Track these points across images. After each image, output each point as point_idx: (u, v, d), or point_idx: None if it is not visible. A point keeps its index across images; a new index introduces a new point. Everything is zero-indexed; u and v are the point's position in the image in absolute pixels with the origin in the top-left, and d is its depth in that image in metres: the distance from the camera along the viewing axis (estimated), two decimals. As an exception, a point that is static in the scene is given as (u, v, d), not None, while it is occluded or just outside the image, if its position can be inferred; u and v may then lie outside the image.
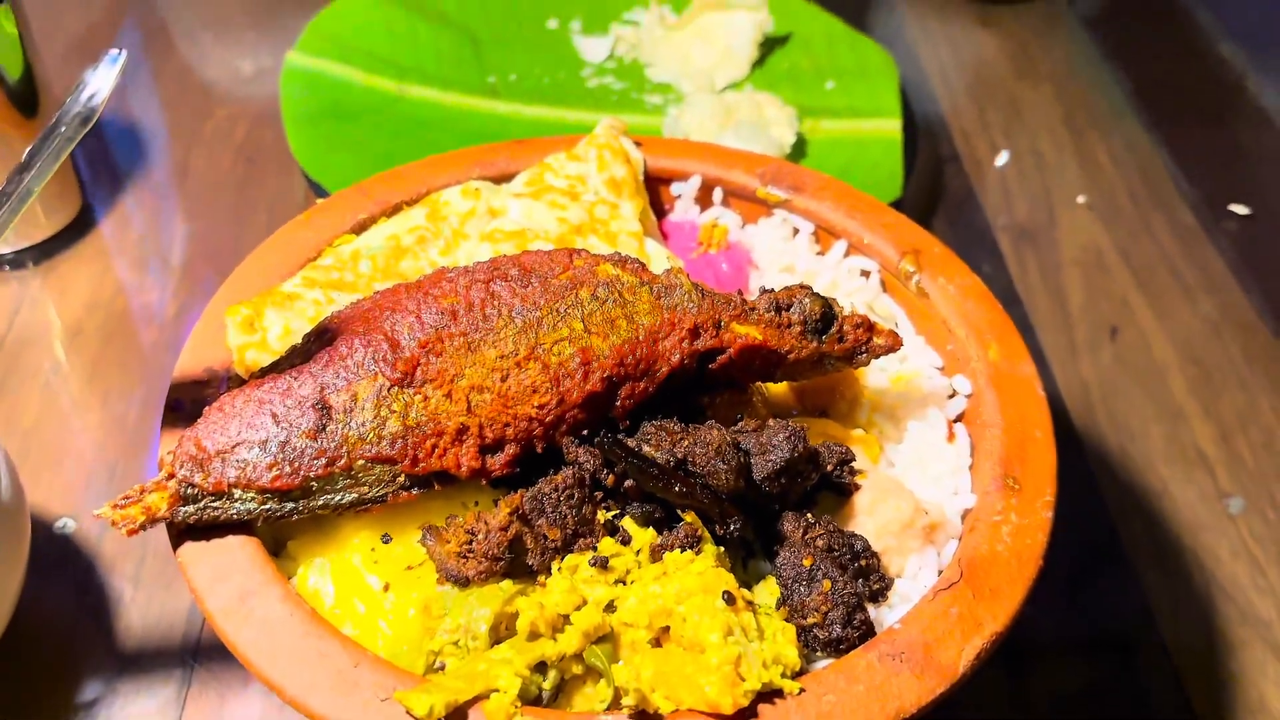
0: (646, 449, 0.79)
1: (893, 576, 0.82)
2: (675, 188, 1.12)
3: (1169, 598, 1.07)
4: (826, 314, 0.86)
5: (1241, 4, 2.21)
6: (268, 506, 0.77)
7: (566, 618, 0.73)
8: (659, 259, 1.01)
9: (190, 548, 0.78)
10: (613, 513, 0.78)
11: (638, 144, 1.12)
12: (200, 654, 0.99)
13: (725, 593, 0.72)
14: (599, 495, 0.79)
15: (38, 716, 0.95)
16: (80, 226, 1.40)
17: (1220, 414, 1.24)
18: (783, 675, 0.71)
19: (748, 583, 0.80)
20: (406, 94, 1.53)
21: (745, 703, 0.69)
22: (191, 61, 1.69)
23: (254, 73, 1.67)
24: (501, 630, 0.75)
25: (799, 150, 1.46)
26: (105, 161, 1.51)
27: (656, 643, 0.73)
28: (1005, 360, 0.91)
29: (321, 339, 0.83)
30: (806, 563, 0.77)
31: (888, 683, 0.71)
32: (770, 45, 1.64)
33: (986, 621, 0.75)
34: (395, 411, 0.78)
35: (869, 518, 0.83)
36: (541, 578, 0.76)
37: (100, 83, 0.76)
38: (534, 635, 0.73)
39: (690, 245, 1.10)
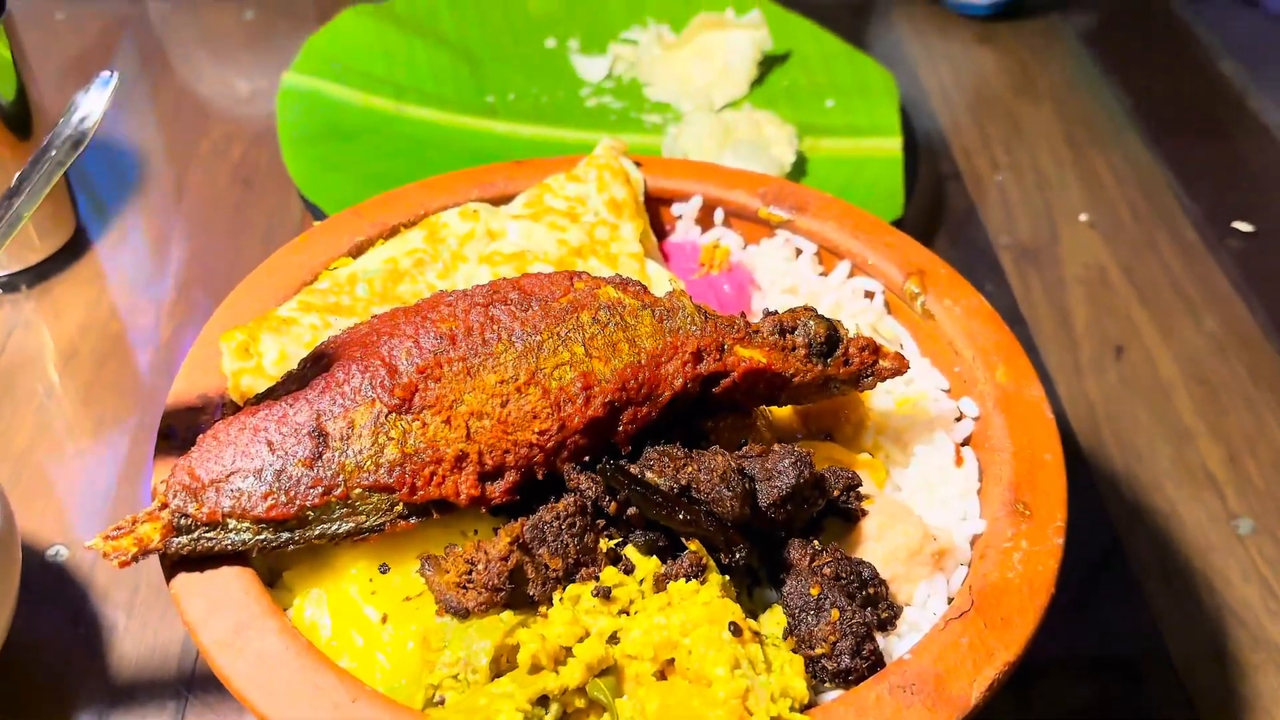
0: (649, 475, 0.77)
1: (901, 604, 0.81)
2: (676, 208, 1.11)
3: (1179, 620, 1.05)
4: (831, 336, 0.84)
5: (1240, 21, 2.21)
6: (263, 537, 0.76)
7: (569, 650, 0.72)
8: (660, 281, 1.00)
9: (184, 579, 0.76)
10: (615, 541, 0.77)
11: (638, 164, 1.11)
12: (194, 685, 0.97)
13: (732, 624, 0.71)
14: (601, 523, 0.77)
15: (29, 750, 0.93)
16: (74, 249, 1.38)
17: (1227, 433, 1.22)
18: (791, 709, 0.69)
19: (753, 612, 0.78)
20: (404, 114, 1.52)
21: (753, 737, 0.67)
22: (187, 82, 1.68)
23: (250, 93, 1.66)
24: (502, 663, 0.73)
25: (799, 169, 1.45)
26: (100, 183, 1.49)
27: (661, 675, 0.72)
28: (1013, 382, 0.89)
29: (318, 364, 0.81)
30: (814, 592, 0.75)
31: (899, 716, 0.69)
32: (769, 64, 1.63)
33: (998, 651, 0.73)
34: (393, 439, 0.77)
35: (876, 544, 0.82)
36: (543, 608, 0.75)
37: (92, 105, 0.75)
38: (535, 668, 0.71)
39: (691, 266, 1.09)
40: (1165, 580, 1.08)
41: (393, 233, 1.03)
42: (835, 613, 0.75)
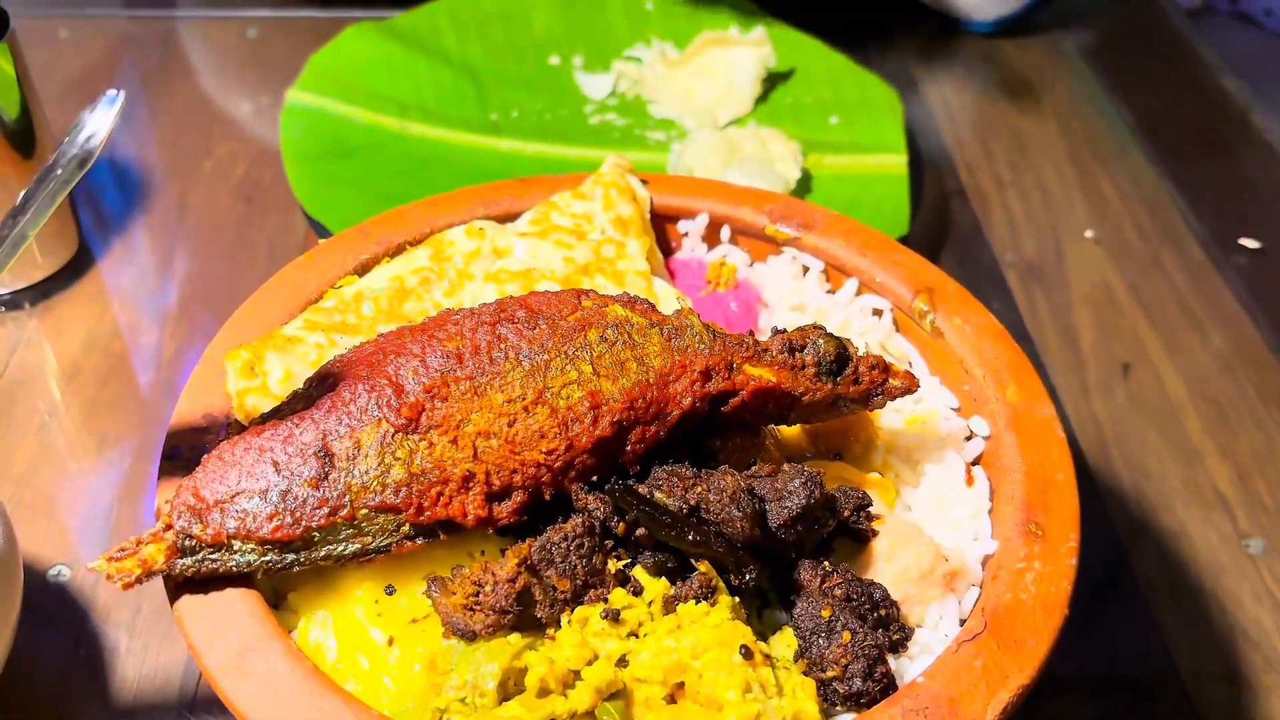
0: (658, 496, 0.76)
1: (913, 626, 0.80)
2: (682, 225, 1.11)
3: (1190, 642, 1.04)
4: (841, 355, 0.84)
5: (1242, 38, 2.22)
6: (268, 558, 0.75)
7: (577, 673, 0.71)
8: (667, 298, 0.99)
9: (188, 601, 0.75)
10: (624, 562, 0.76)
11: (644, 181, 1.10)
12: (197, 708, 0.96)
13: (743, 646, 0.70)
14: (609, 544, 0.76)
15: (29, 773, 0.92)
16: (78, 267, 1.38)
17: (1237, 453, 1.21)
18: (803, 733, 0.68)
19: (763, 634, 0.77)
20: (407, 131, 1.52)
21: (765, 762, 0.66)
22: (191, 99, 1.68)
23: (253, 111, 1.66)
24: (510, 686, 0.72)
25: (804, 186, 1.45)
26: (103, 201, 1.49)
27: (671, 699, 0.71)
28: (1024, 401, 0.89)
29: (324, 384, 0.81)
30: (825, 614, 0.74)
31: (912, 740, 0.68)
32: (773, 81, 1.63)
33: (1012, 674, 0.72)
34: (399, 459, 0.76)
35: (887, 565, 0.81)
36: (551, 631, 0.74)
37: (98, 124, 0.75)
38: (544, 691, 0.70)
39: (698, 284, 1.08)
40: (1175, 600, 1.07)
41: (398, 251, 1.03)
42: (847, 635, 0.74)
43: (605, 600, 0.74)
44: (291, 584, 0.79)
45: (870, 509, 0.83)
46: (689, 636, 0.71)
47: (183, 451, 0.84)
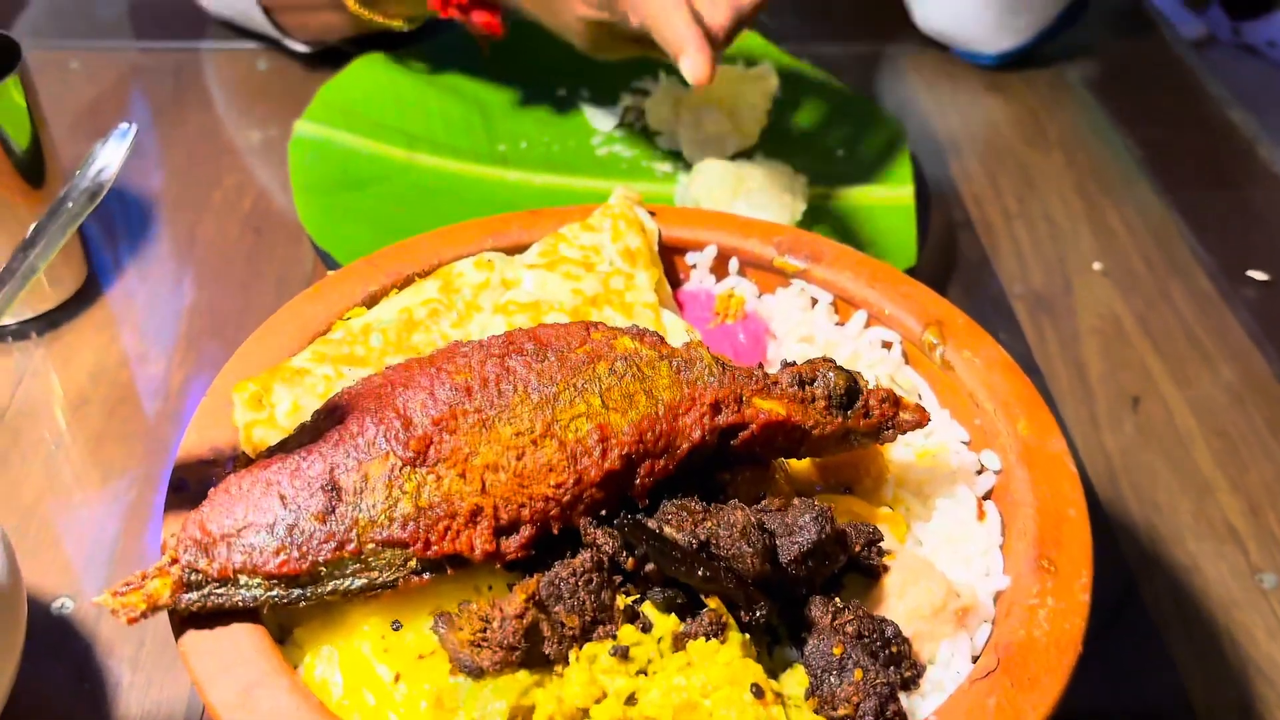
0: (668, 530, 0.76)
1: (924, 663, 0.79)
2: (690, 257, 1.11)
3: (1203, 679, 1.03)
4: (851, 389, 0.83)
5: (1248, 70, 2.22)
6: (274, 593, 0.74)
7: (586, 711, 0.70)
8: (676, 330, 0.99)
9: (193, 636, 0.75)
10: (633, 598, 0.75)
11: (652, 213, 1.10)
12: (200, 743, 0.95)
13: (754, 685, 0.69)
14: (618, 579, 0.76)
15: (30, 810, 0.91)
16: (86, 296, 1.38)
17: (1248, 486, 1.21)
18: (815, 773, 0.67)
19: (774, 671, 0.76)
20: (416, 162, 1.52)
21: (776, 803, 0.65)
22: (200, 131, 1.69)
23: (263, 141, 1.66)
24: (518, 724, 0.71)
25: (810, 217, 1.45)
26: (112, 231, 1.49)
27: (681, 738, 0.70)
28: (1035, 435, 0.88)
29: (331, 416, 0.80)
30: (836, 651, 0.74)
31: (926, 780, 0.68)
32: (779, 112, 1.64)
33: (1026, 713, 0.71)
34: (407, 492, 0.76)
35: (899, 600, 0.80)
36: (559, 668, 0.73)
37: (110, 158, 0.75)
38: (552, 730, 0.69)
39: (706, 316, 1.08)
40: (1188, 636, 1.06)
41: (407, 282, 1.03)
42: (859, 673, 0.73)
43: (614, 637, 0.73)
44: (297, 619, 0.79)
45: (881, 544, 0.82)
46: (699, 674, 0.70)
47: (189, 484, 0.84)
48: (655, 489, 0.79)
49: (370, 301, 1.01)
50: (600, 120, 1.64)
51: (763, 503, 0.80)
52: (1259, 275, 1.48)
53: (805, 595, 0.78)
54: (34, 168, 1.26)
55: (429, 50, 1.71)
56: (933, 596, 0.79)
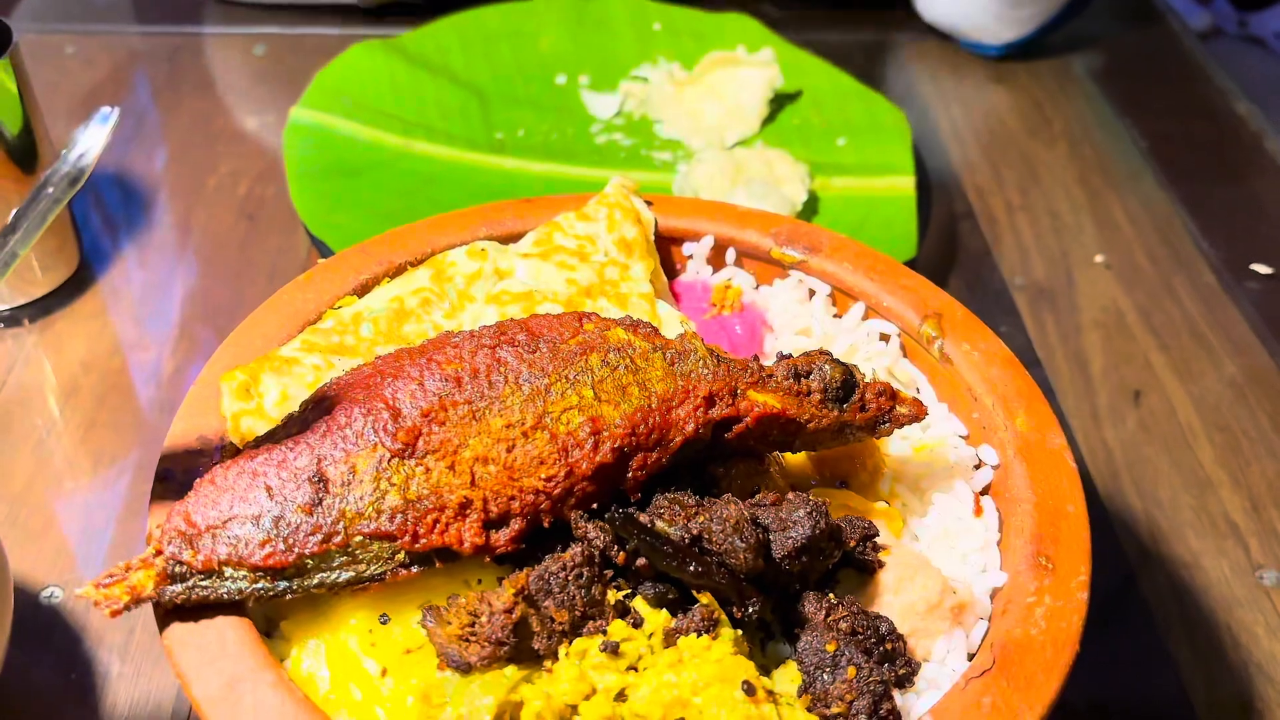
0: (659, 525, 0.75)
1: (919, 660, 0.78)
2: (687, 248, 1.09)
3: (1203, 677, 1.02)
4: (848, 382, 0.82)
5: (1254, 62, 2.20)
6: (260, 585, 0.73)
7: (575, 707, 0.69)
8: (671, 322, 0.98)
9: (177, 629, 0.74)
10: (624, 593, 0.74)
11: (648, 203, 1.09)
12: (188, 735, 0.94)
13: (745, 682, 0.68)
14: (609, 574, 0.75)
15: (16, 801, 0.90)
16: (78, 283, 1.37)
17: (1250, 482, 1.19)
18: (806, 772, 0.66)
19: (766, 668, 0.75)
20: (412, 150, 1.51)
21: (766, 803, 0.64)
22: (196, 117, 1.68)
23: (258, 128, 1.65)
24: (505, 720, 0.70)
25: (811, 208, 1.44)
26: (105, 217, 1.48)
27: (671, 735, 0.69)
28: (1034, 430, 0.87)
29: (320, 407, 0.79)
30: (830, 648, 0.72)
31: (919, 781, 0.66)
32: (781, 101, 1.62)
33: (1023, 712, 0.70)
34: (395, 484, 0.74)
35: (894, 597, 0.79)
36: (548, 663, 0.72)
37: (90, 142, 0.73)
38: (540, 726, 0.68)
39: (702, 306, 1.07)
40: (1188, 633, 1.05)
41: (399, 271, 1.01)
42: (852, 670, 0.72)
43: (604, 632, 0.72)
44: (284, 612, 0.77)
45: (877, 539, 0.81)
46: (690, 671, 0.69)
47: (176, 474, 0.83)
48: (648, 482, 0.78)
49: (362, 290, 0.99)
50: (599, 108, 1.62)
51: (757, 497, 0.79)
52: (1263, 269, 1.46)
53: (799, 591, 0.77)
54: (25, 153, 1.25)
55: (426, 36, 1.70)
56: (928, 593, 0.78)
